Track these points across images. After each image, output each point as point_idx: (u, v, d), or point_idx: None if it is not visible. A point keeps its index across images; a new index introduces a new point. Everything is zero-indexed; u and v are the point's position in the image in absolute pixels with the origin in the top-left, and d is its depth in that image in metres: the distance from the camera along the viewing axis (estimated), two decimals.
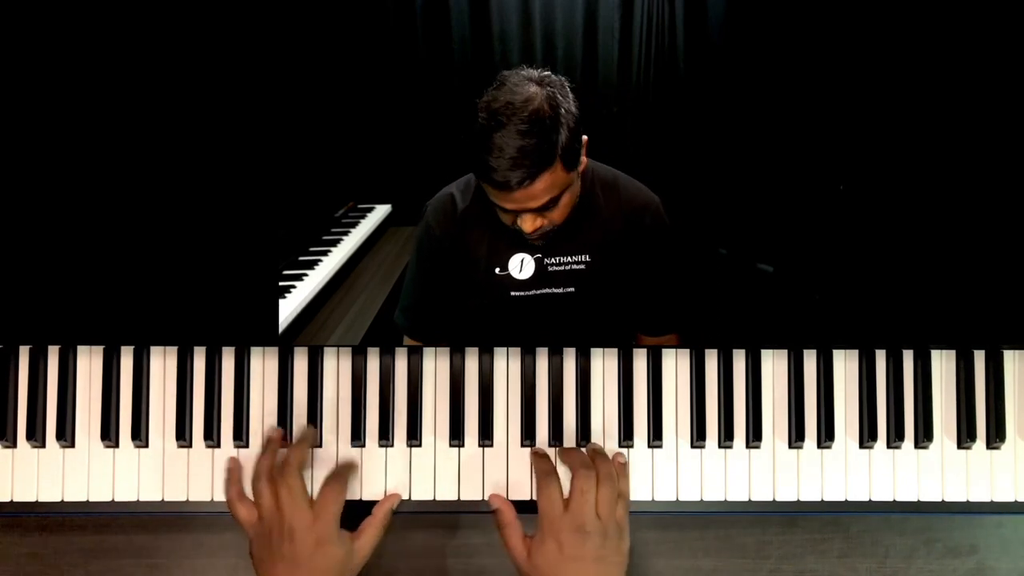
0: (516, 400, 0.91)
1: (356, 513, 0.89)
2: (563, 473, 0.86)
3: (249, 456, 0.89)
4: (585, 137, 0.85)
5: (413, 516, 0.92)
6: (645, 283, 0.91)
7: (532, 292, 0.89)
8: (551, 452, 0.89)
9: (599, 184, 0.89)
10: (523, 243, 0.89)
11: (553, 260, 0.89)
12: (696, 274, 0.91)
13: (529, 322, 0.90)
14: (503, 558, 0.92)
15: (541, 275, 0.89)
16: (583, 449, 0.89)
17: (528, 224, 0.86)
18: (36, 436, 0.89)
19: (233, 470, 0.88)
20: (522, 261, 0.89)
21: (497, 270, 0.89)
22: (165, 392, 0.91)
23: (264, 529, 0.82)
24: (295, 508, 0.81)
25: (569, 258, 0.89)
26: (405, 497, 0.89)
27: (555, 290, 0.89)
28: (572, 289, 0.89)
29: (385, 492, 0.89)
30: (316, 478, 0.89)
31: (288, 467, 0.83)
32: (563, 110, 0.83)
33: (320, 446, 0.90)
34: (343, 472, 0.87)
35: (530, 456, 0.89)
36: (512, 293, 0.89)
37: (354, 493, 0.89)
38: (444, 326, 0.92)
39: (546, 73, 0.85)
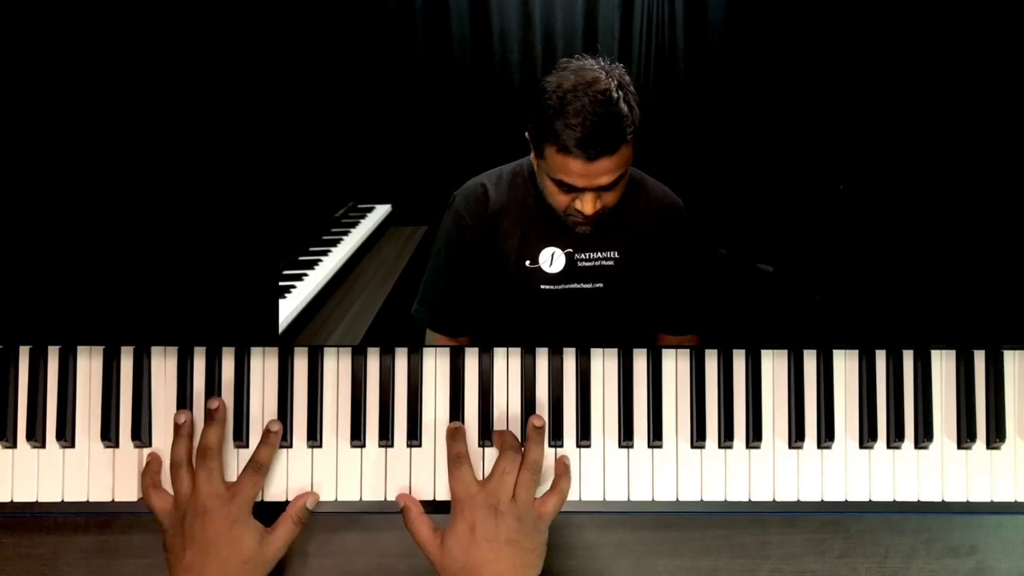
0: (516, 400, 0.91)
1: (352, 516, 0.89)
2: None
3: (244, 454, 0.89)
4: None
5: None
6: (671, 283, 0.91)
7: (561, 287, 0.89)
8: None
9: (628, 182, 0.89)
10: (554, 236, 0.89)
11: (583, 255, 0.89)
12: (716, 275, 0.91)
13: (557, 317, 0.90)
14: None
15: (571, 270, 0.89)
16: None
17: (589, 205, 0.86)
18: (36, 436, 0.89)
19: (151, 462, 0.88)
20: (552, 255, 0.89)
21: (527, 263, 0.89)
22: (165, 392, 0.91)
23: (179, 514, 0.83)
24: (210, 488, 0.83)
25: (599, 254, 0.89)
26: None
27: (584, 285, 0.89)
28: (600, 285, 0.89)
29: (385, 492, 0.89)
30: (316, 477, 0.89)
31: (207, 450, 0.85)
32: (631, 90, 0.85)
33: (321, 445, 0.90)
34: (261, 458, 0.87)
35: (445, 438, 0.89)
36: (542, 287, 0.90)
37: (353, 494, 0.89)
38: (470, 319, 0.92)
39: (605, 61, 0.86)
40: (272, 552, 0.84)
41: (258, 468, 0.86)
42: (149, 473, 0.87)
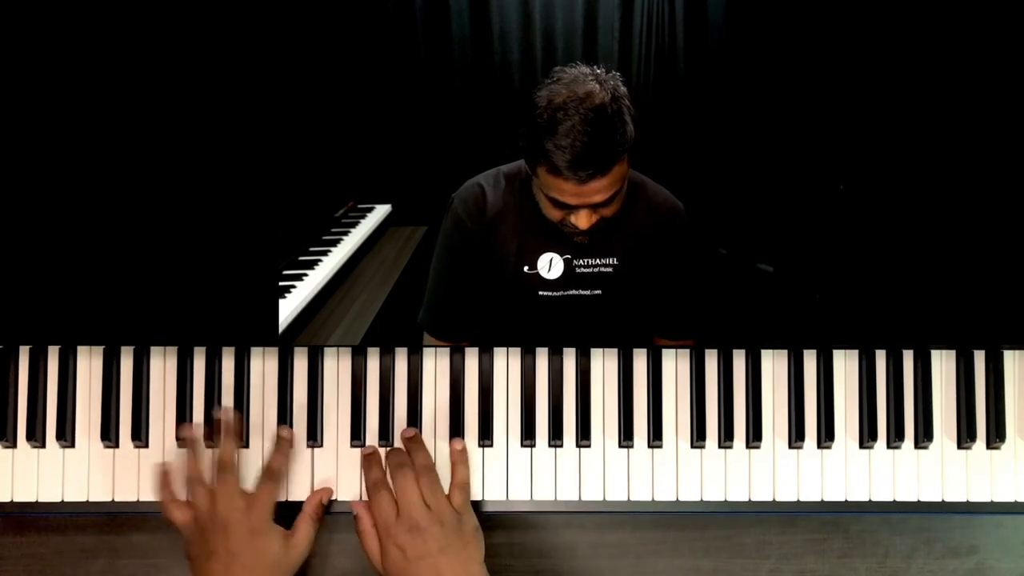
0: (516, 400, 0.91)
1: (352, 516, 0.89)
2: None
3: (246, 456, 0.89)
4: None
5: None
6: (670, 287, 0.91)
7: (560, 293, 0.89)
8: (382, 452, 0.89)
9: (628, 188, 0.88)
10: (553, 242, 0.88)
11: (581, 262, 0.88)
12: (717, 279, 0.91)
13: (556, 323, 0.89)
14: (506, 558, 0.92)
15: (569, 276, 0.89)
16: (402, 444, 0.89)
17: (584, 220, 0.86)
18: (36, 436, 0.89)
19: (165, 473, 0.88)
20: (551, 261, 0.88)
21: (526, 268, 0.89)
22: (165, 392, 0.91)
23: (199, 527, 0.83)
24: (229, 502, 0.82)
25: (598, 260, 0.89)
26: None
27: (582, 292, 0.89)
28: (599, 292, 0.89)
29: None
30: (317, 477, 0.89)
31: (225, 464, 0.85)
32: (626, 103, 0.84)
33: (321, 445, 0.90)
34: (276, 465, 0.87)
35: (360, 463, 0.89)
36: (540, 293, 0.89)
37: (354, 494, 0.89)
38: (470, 324, 0.91)
39: (600, 70, 0.85)
40: (296, 554, 0.84)
41: (273, 475, 0.86)
42: (165, 486, 0.87)
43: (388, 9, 0.89)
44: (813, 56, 0.89)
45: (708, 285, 0.91)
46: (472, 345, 0.91)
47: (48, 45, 0.87)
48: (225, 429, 0.87)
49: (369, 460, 0.88)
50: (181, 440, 0.89)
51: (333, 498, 0.89)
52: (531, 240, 0.89)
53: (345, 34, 0.89)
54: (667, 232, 0.90)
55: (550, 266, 0.88)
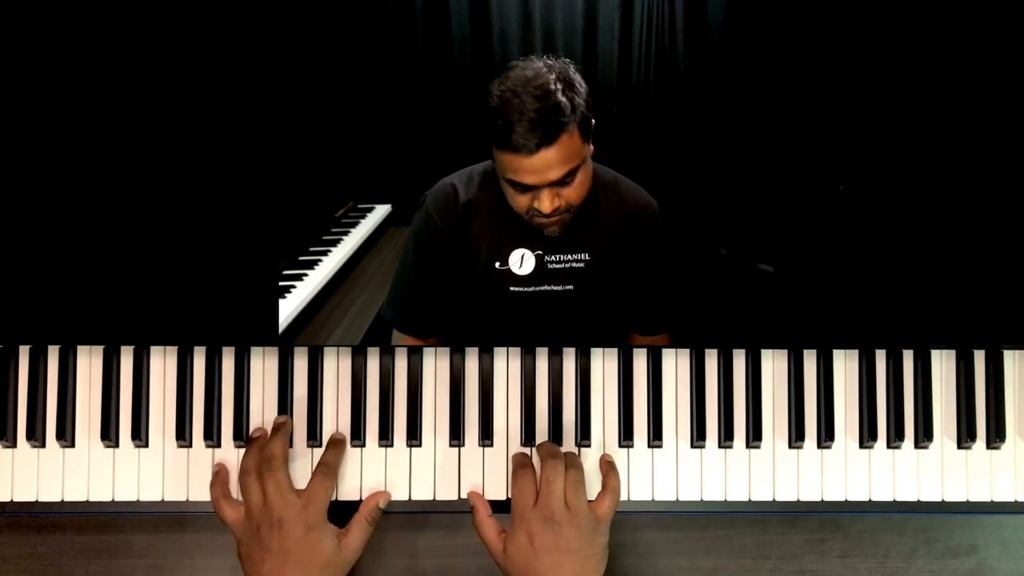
0: (516, 400, 0.91)
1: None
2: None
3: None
4: (592, 120, 0.86)
5: (413, 516, 0.92)
6: (642, 284, 0.91)
7: (531, 288, 0.89)
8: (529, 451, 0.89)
9: (600, 184, 0.89)
10: (525, 238, 0.89)
11: (553, 257, 0.89)
12: (690, 275, 0.91)
13: (527, 319, 0.90)
14: None
15: (541, 272, 0.89)
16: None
17: (547, 203, 0.86)
18: (36, 436, 0.89)
19: (220, 472, 0.88)
20: (522, 257, 0.89)
21: (497, 264, 0.89)
22: (165, 392, 0.91)
23: (252, 525, 0.83)
24: (283, 499, 0.82)
25: (569, 256, 0.89)
26: (404, 497, 0.89)
27: (554, 287, 0.89)
28: (571, 287, 0.89)
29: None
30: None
31: (272, 461, 0.84)
32: (575, 81, 0.85)
33: (321, 445, 0.90)
34: (330, 460, 0.87)
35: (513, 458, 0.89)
36: (511, 288, 0.89)
37: (353, 494, 0.89)
38: (438, 320, 0.92)
39: (552, 60, 0.86)
40: (350, 554, 0.84)
41: (328, 472, 0.86)
42: (219, 483, 0.87)
43: (388, 9, 0.89)
44: (813, 56, 0.89)
45: (681, 281, 0.91)
46: (440, 343, 0.91)
47: (48, 45, 0.87)
48: (275, 427, 0.88)
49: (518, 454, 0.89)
50: (250, 439, 0.89)
51: (333, 498, 0.89)
52: (503, 236, 0.89)
53: (345, 34, 0.89)
54: (638, 230, 0.90)
55: (521, 262, 0.89)
